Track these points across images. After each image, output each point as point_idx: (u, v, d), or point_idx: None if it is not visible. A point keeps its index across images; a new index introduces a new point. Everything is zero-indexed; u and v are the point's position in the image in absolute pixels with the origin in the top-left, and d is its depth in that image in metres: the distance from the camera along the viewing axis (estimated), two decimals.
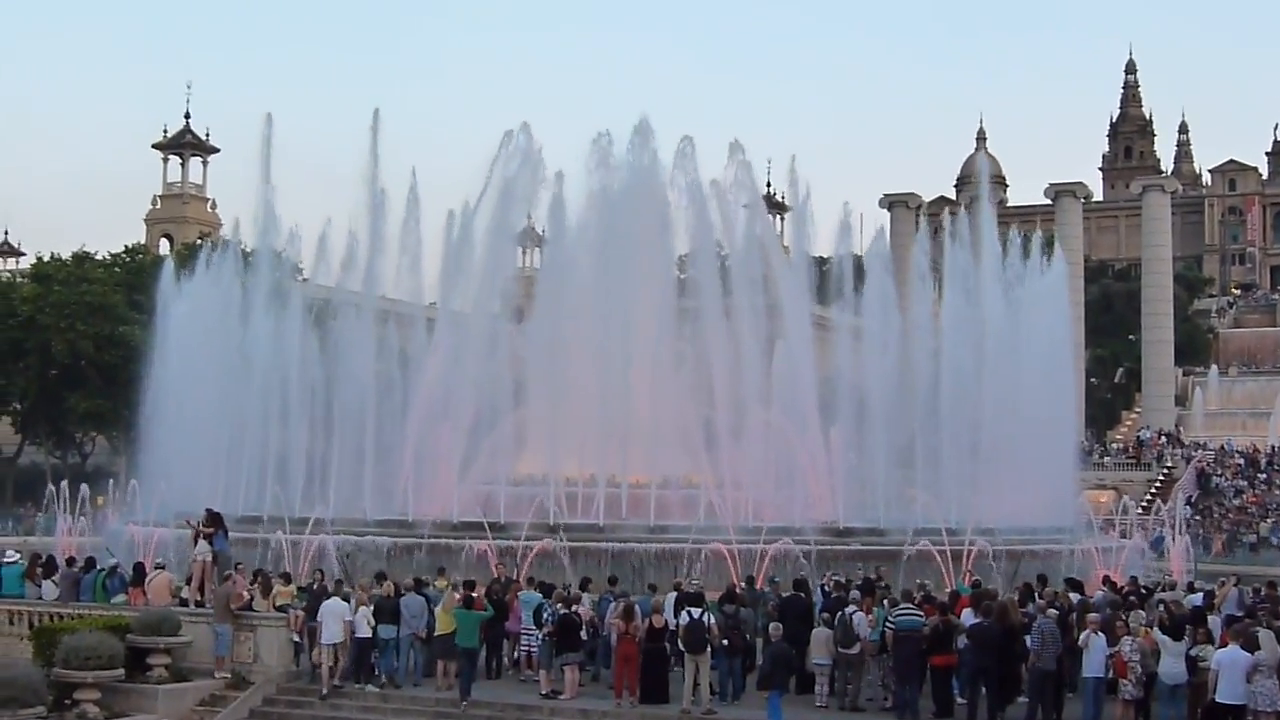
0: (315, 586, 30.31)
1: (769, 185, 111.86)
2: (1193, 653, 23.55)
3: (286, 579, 31.15)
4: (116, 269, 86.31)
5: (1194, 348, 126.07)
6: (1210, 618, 25.94)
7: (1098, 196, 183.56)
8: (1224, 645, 22.01)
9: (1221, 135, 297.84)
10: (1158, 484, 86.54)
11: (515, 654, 29.70)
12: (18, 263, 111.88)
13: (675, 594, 28.58)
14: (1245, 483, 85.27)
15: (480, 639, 28.25)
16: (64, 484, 50.34)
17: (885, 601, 27.84)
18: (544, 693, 27.25)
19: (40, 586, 31.64)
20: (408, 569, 34.21)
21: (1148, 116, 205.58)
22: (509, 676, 29.52)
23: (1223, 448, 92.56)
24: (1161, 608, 26.87)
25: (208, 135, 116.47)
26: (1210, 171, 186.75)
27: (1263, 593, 30.22)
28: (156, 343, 49.41)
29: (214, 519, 31.84)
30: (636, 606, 26.97)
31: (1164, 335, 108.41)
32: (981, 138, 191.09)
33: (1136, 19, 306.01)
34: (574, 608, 27.59)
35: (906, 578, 33.65)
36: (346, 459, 44.06)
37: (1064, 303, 53.16)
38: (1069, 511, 46.76)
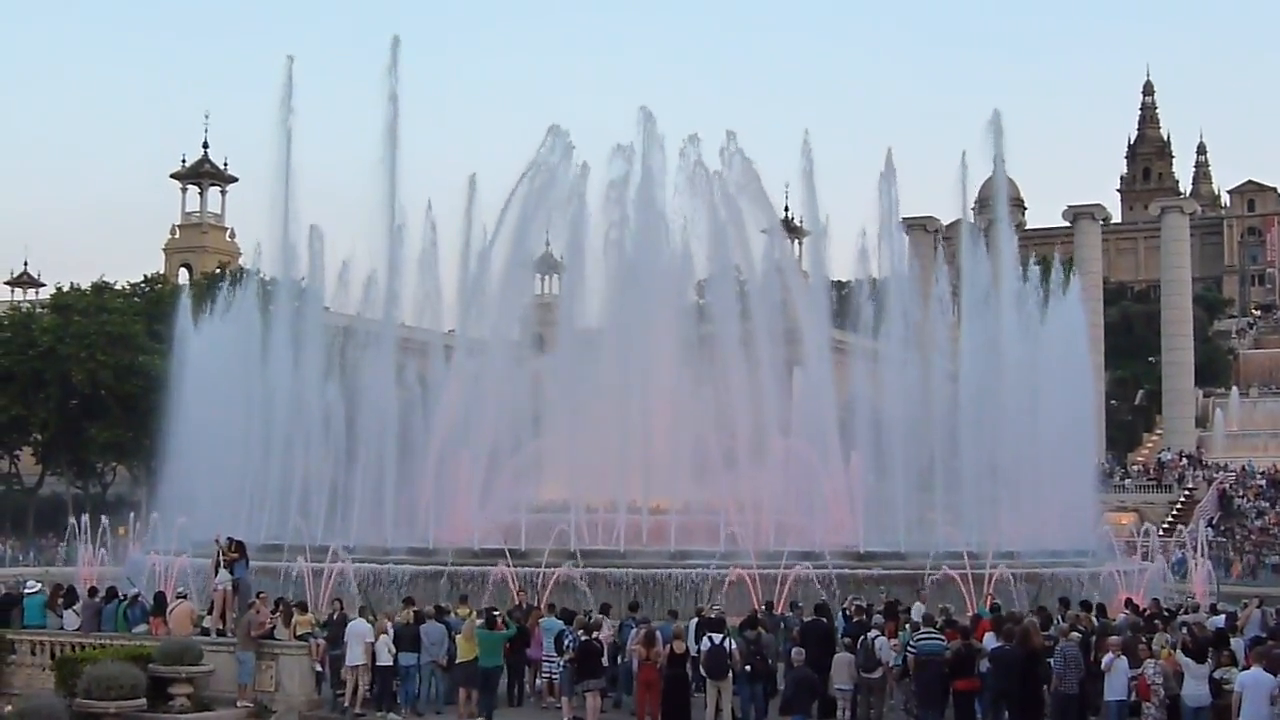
0: (335, 616, 30.33)
1: (786, 210, 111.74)
2: (1216, 675, 23.43)
3: (303, 608, 31.19)
4: (136, 299, 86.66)
5: (1214, 369, 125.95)
6: (1234, 640, 25.82)
7: (1116, 218, 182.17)
8: (1248, 667, 21.89)
9: (1240, 156, 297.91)
10: (1179, 506, 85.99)
11: (537, 681, 29.66)
12: (38, 293, 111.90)
13: (697, 619, 28.60)
14: (1267, 504, 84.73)
15: (503, 659, 28.25)
16: (85, 514, 50.44)
17: (907, 626, 27.79)
18: (566, 719, 27.25)
19: (62, 617, 31.70)
20: (431, 596, 34.17)
21: (1166, 138, 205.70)
22: (531, 704, 29.44)
23: (1244, 469, 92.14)
24: (1185, 630, 26.78)
25: (226, 165, 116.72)
26: (1229, 192, 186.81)
27: None
28: (176, 372, 49.59)
29: (238, 546, 31.98)
30: (658, 632, 26.87)
31: (1184, 357, 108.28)
32: (999, 160, 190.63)
33: (1154, 41, 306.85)
34: (595, 634, 27.53)
35: (930, 603, 33.55)
36: (368, 487, 44.15)
37: (1083, 325, 53.12)
38: (1090, 534, 46.57)
